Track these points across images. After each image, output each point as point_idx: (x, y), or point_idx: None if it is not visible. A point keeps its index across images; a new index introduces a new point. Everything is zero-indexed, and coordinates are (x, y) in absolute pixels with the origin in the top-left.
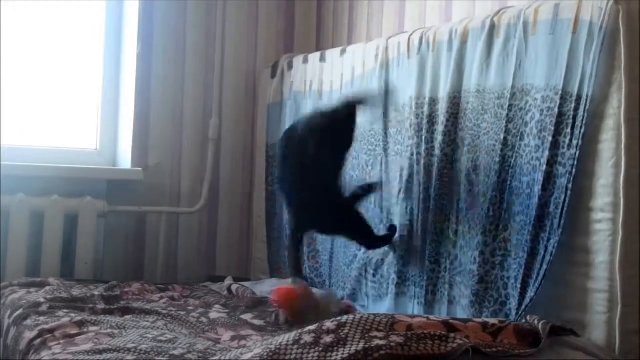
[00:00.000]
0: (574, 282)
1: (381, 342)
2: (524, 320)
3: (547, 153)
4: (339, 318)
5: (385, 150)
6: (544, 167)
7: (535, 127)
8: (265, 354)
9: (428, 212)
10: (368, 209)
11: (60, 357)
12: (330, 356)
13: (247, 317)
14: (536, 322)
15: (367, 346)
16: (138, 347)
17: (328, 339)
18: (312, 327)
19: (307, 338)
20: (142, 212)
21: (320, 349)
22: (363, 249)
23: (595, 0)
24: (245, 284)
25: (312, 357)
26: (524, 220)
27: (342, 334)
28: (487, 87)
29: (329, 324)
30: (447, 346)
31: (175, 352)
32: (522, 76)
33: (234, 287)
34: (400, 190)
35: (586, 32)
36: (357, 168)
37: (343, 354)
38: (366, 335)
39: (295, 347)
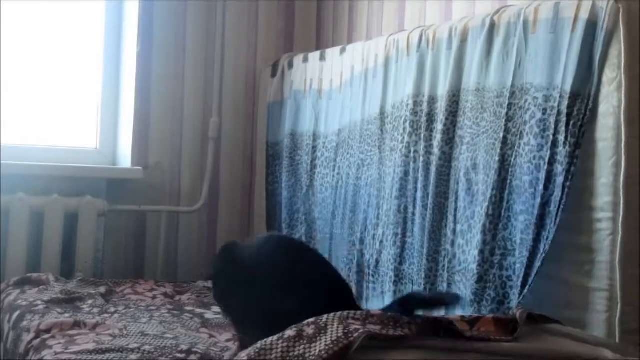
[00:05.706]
0: (574, 281)
1: (359, 327)
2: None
3: (546, 152)
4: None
5: (380, 147)
6: (545, 165)
7: (535, 126)
8: (253, 352)
9: (426, 210)
10: (364, 209)
11: (62, 357)
12: (315, 346)
13: None
14: (514, 311)
15: (346, 331)
16: (141, 347)
17: (310, 330)
18: (292, 326)
19: (290, 332)
20: (142, 211)
21: (305, 341)
22: (359, 248)
23: None
24: None
25: (299, 350)
26: (528, 220)
27: (321, 323)
28: (487, 86)
29: (308, 320)
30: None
31: (178, 353)
32: (521, 75)
33: None
34: (393, 188)
35: (586, 31)
36: (353, 166)
37: (326, 341)
38: (344, 322)
39: (280, 341)
